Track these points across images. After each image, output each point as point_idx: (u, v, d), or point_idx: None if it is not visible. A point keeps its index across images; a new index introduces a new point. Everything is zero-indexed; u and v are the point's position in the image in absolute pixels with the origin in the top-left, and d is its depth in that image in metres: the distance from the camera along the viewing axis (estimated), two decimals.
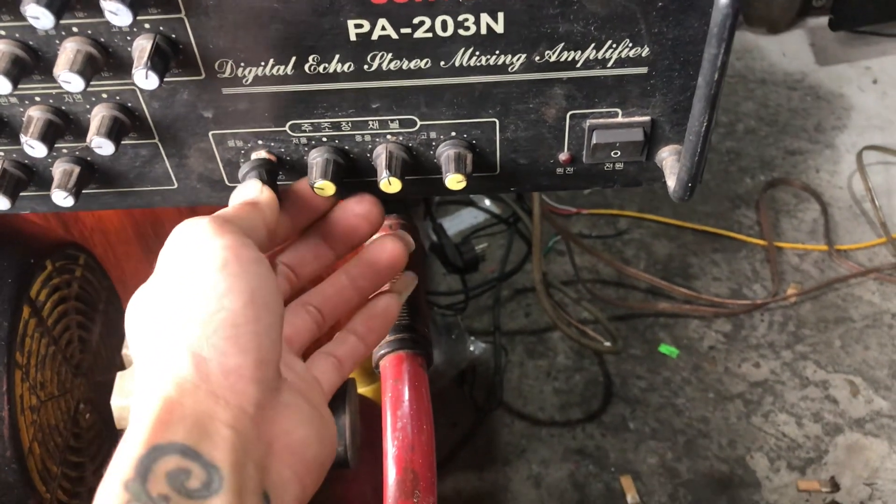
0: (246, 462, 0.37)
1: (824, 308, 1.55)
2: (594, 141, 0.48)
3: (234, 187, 0.51)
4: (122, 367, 0.69)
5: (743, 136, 1.89)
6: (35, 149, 0.46)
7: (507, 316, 1.58)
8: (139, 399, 0.38)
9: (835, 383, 1.44)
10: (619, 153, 0.49)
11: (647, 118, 0.48)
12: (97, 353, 0.74)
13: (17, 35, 0.43)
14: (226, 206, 0.46)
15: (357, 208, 0.50)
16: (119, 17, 0.39)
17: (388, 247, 0.50)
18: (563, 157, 0.50)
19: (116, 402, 0.66)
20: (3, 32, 0.43)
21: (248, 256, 0.40)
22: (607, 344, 1.41)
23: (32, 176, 0.50)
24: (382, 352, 0.55)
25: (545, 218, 1.51)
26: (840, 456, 1.35)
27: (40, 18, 0.39)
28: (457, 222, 1.73)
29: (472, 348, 1.47)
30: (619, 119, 0.48)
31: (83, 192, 0.50)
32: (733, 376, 1.46)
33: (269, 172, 0.49)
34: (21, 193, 0.50)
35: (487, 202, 1.71)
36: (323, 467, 0.43)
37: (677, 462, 1.35)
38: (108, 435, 0.73)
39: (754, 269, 1.62)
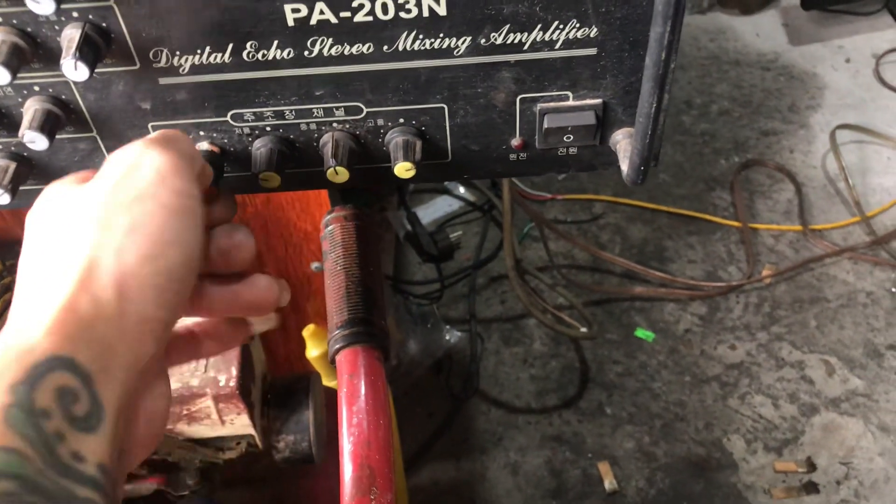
0: (124, 412, 0.35)
1: (799, 288, 1.55)
2: (546, 125, 0.47)
3: None
4: None
5: (717, 117, 1.89)
6: None
7: (483, 304, 1.57)
8: (38, 291, 0.35)
9: (810, 363, 1.44)
10: (572, 137, 0.48)
11: (598, 101, 0.46)
12: None
13: None
14: None
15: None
16: (41, 5, 0.38)
17: (260, 284, 0.45)
18: (515, 142, 0.49)
19: None
20: None
21: (198, 210, 0.39)
22: (583, 330, 1.41)
23: None
24: (338, 346, 0.54)
25: (519, 204, 1.50)
26: (816, 436, 1.35)
27: None
28: (431, 211, 1.72)
29: (447, 337, 1.46)
30: (571, 102, 0.46)
31: (22, 188, 0.48)
32: (709, 359, 1.46)
33: (214, 164, 0.48)
34: None
35: (462, 190, 1.70)
36: (151, 448, 0.41)
37: (654, 446, 1.34)
38: None
39: (729, 251, 1.62)
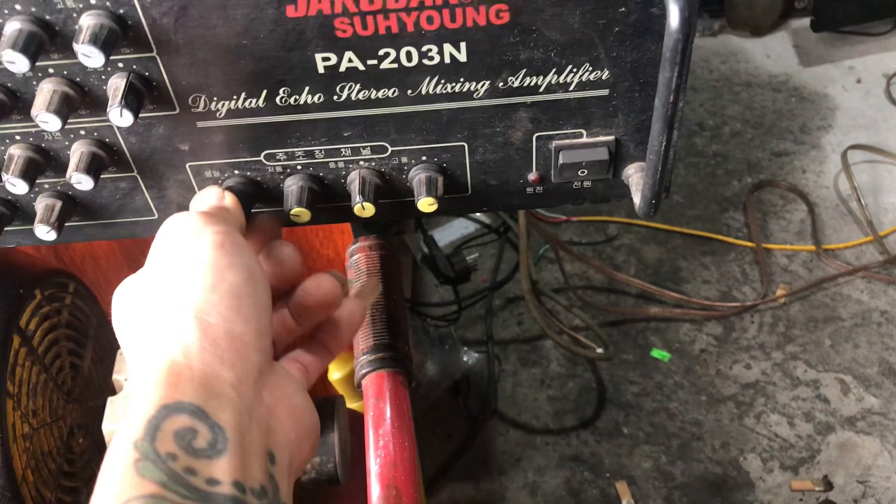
0: (250, 424, 0.39)
1: (813, 308, 1.56)
2: (561, 161, 0.50)
3: None
4: (114, 391, 0.70)
5: (729, 139, 1.91)
6: (17, 186, 0.47)
7: (500, 325, 1.59)
8: (140, 370, 0.40)
9: (825, 382, 1.45)
10: (586, 172, 0.50)
11: (611, 138, 0.49)
12: (89, 378, 0.75)
13: None
14: None
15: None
16: (92, 59, 0.41)
17: (323, 284, 0.49)
18: (532, 177, 0.51)
19: (108, 427, 0.67)
20: None
21: (241, 241, 0.43)
22: (599, 351, 1.42)
23: (16, 211, 0.51)
24: (364, 371, 0.56)
25: (534, 227, 1.52)
26: (832, 455, 1.36)
27: (16, 63, 0.40)
28: (448, 233, 1.74)
29: (465, 358, 1.48)
30: (584, 139, 0.49)
31: (66, 224, 0.51)
32: (725, 378, 1.47)
33: (246, 200, 0.50)
34: (5, 228, 0.51)
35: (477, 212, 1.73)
36: (316, 438, 0.45)
37: (671, 465, 1.36)
38: (101, 459, 0.74)
39: (743, 271, 1.64)
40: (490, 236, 1.70)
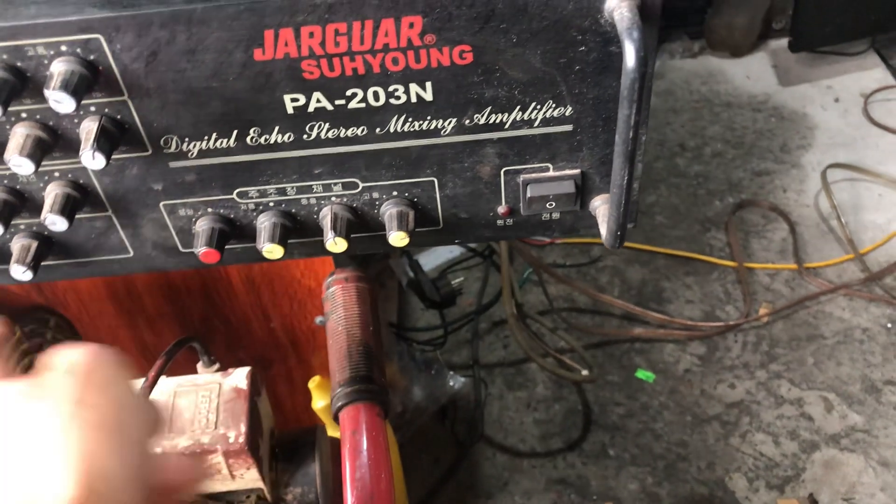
0: None
1: (796, 326, 1.57)
2: (529, 194, 0.51)
3: (189, 253, 0.53)
4: None
5: (710, 159, 1.93)
6: None
7: (486, 349, 1.59)
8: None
9: (809, 400, 1.46)
10: (554, 204, 0.51)
11: (577, 171, 0.50)
12: None
13: None
14: (182, 270, 0.48)
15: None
16: (63, 104, 0.41)
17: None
18: (501, 210, 0.52)
19: None
20: None
21: None
22: (584, 373, 1.43)
23: None
24: (340, 403, 0.57)
25: (517, 251, 1.54)
26: (818, 472, 1.36)
27: None
28: (433, 258, 1.75)
29: (451, 383, 1.49)
30: (551, 173, 0.50)
31: (43, 264, 0.52)
32: (710, 398, 1.48)
33: (220, 237, 0.51)
34: None
35: None
36: None
37: (658, 487, 1.36)
38: None
39: (726, 291, 1.65)
40: (475, 260, 1.71)
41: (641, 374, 1.52)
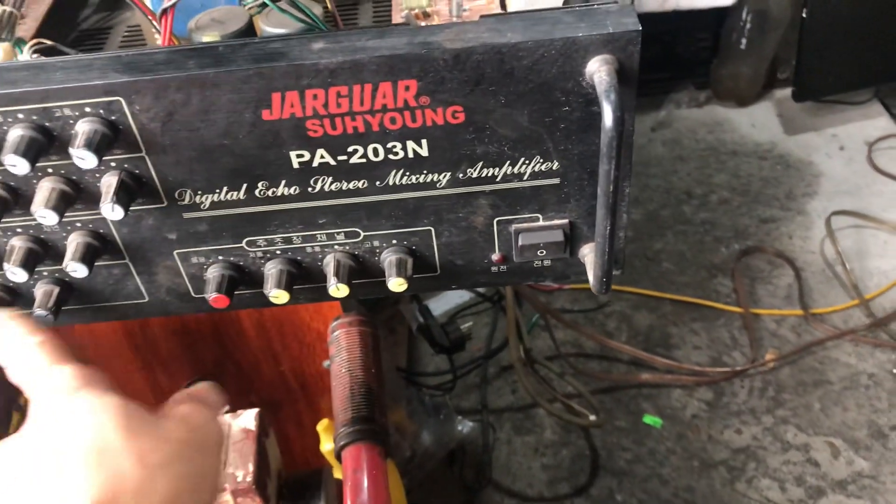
0: None
1: (802, 372, 1.58)
2: (520, 243, 0.54)
3: (200, 298, 0.56)
4: None
5: (717, 206, 1.96)
6: (17, 275, 0.51)
7: (495, 393, 1.61)
8: None
9: (816, 446, 1.46)
10: (545, 252, 0.54)
11: (565, 221, 0.53)
12: None
13: None
14: (194, 314, 0.51)
15: None
16: (86, 161, 0.45)
17: None
18: (495, 257, 0.55)
19: None
20: None
21: None
22: (592, 418, 1.45)
23: (16, 297, 0.55)
24: (342, 443, 0.59)
25: (524, 296, 1.56)
26: None
27: (17, 166, 0.45)
28: (442, 303, 1.77)
29: (460, 428, 1.50)
30: (541, 223, 0.53)
31: (63, 308, 0.55)
32: (716, 444, 1.49)
33: (230, 283, 0.54)
34: None
35: None
36: None
37: None
38: None
39: (733, 337, 1.66)
40: (484, 305, 1.74)
41: (649, 419, 1.53)
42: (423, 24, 0.61)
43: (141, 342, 0.93)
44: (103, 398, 0.45)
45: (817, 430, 1.49)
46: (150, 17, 0.58)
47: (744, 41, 2.08)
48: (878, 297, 1.69)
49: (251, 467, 0.71)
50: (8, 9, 0.67)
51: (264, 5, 0.57)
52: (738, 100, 2.23)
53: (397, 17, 0.65)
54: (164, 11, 0.55)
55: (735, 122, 2.20)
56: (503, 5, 0.68)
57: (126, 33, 0.74)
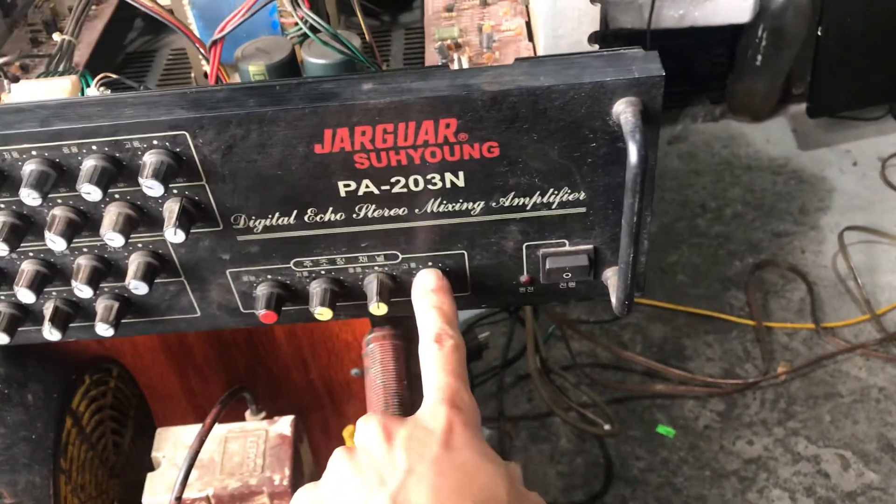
0: None
1: (813, 385, 1.61)
2: (548, 266, 0.58)
3: (249, 313, 0.61)
4: (152, 467, 0.78)
5: (731, 220, 1.99)
6: (83, 291, 0.55)
7: (511, 402, 1.65)
8: None
9: (826, 458, 1.49)
10: (570, 275, 0.58)
11: (590, 246, 0.57)
12: (129, 455, 0.82)
13: (71, 202, 0.53)
14: (239, 328, 0.56)
15: None
16: (153, 190, 0.49)
17: None
18: (523, 279, 0.59)
19: (147, 501, 0.74)
20: (60, 201, 0.53)
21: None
22: (606, 427, 1.48)
23: (79, 311, 0.60)
24: None
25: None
26: None
27: (91, 194, 0.49)
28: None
29: None
30: (567, 248, 0.57)
31: (121, 322, 0.60)
32: (728, 454, 1.52)
33: (278, 301, 0.59)
34: (70, 325, 0.60)
35: None
36: None
37: None
38: None
39: (745, 349, 1.70)
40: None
41: (662, 429, 1.57)
42: (454, 55, 0.64)
43: (177, 350, 0.97)
44: None
45: (828, 442, 1.52)
46: (198, 46, 0.62)
47: (759, 57, 2.11)
48: (890, 311, 1.72)
49: (287, 471, 0.76)
50: (67, 38, 0.72)
51: (306, 36, 0.60)
52: (753, 115, 2.27)
53: (430, 47, 0.69)
54: (214, 43, 0.60)
55: (750, 136, 2.23)
56: (530, 37, 0.72)
57: (171, 56, 0.79)
